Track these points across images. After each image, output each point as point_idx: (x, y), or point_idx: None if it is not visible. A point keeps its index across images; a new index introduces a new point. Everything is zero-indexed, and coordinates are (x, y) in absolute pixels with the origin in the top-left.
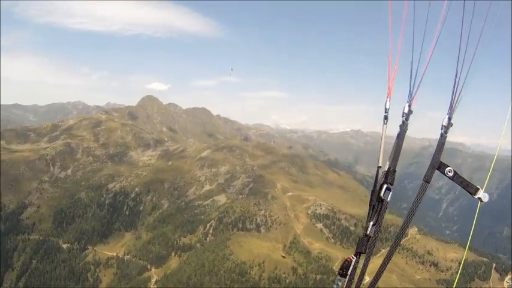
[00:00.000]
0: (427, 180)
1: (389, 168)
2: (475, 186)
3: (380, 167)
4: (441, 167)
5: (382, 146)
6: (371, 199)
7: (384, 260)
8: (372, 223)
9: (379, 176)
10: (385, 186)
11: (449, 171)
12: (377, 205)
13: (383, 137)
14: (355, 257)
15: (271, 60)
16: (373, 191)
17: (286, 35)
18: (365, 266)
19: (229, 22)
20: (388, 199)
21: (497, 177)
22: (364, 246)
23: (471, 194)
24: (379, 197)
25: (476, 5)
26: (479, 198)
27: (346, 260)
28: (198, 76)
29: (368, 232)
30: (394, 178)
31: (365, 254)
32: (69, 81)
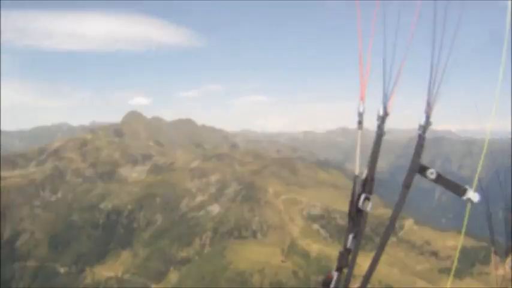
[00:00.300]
0: (406, 185)
1: (366, 177)
2: (463, 187)
3: (357, 176)
4: (422, 170)
5: (358, 154)
6: (350, 210)
7: (371, 264)
8: (351, 236)
9: (358, 185)
10: (363, 196)
11: (431, 174)
12: (356, 216)
13: (358, 144)
14: (336, 273)
15: (251, 64)
16: (351, 202)
17: (264, 38)
18: (348, 281)
19: (204, 31)
20: (369, 209)
21: (486, 161)
22: (345, 260)
23: (459, 196)
24: (358, 208)
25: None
26: (469, 199)
27: (327, 277)
28: (179, 87)
29: (348, 245)
30: (372, 187)
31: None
32: (52, 103)
